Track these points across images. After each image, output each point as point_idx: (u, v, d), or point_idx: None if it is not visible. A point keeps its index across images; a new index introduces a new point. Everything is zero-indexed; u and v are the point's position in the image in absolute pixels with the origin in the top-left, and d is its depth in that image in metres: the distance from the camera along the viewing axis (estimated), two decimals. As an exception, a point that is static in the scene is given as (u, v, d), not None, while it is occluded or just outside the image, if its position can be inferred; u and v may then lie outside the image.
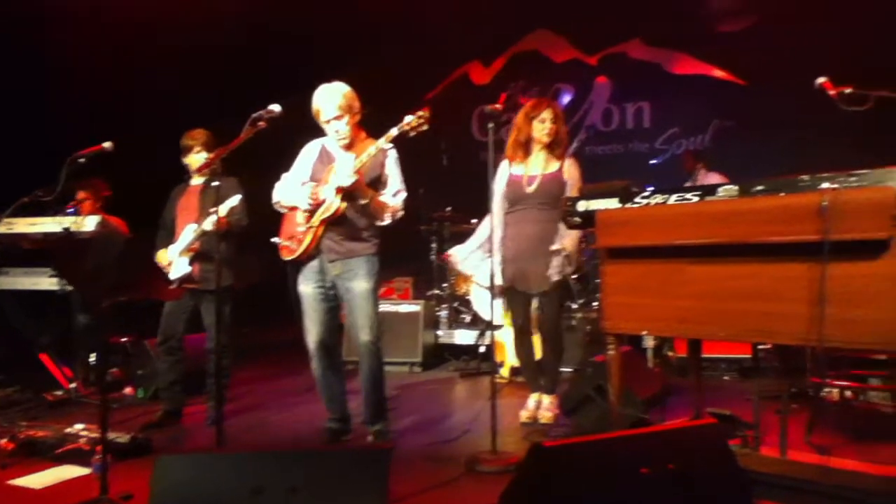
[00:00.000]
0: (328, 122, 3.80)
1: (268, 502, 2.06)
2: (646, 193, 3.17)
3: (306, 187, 3.83)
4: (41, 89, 6.72)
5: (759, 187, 2.85)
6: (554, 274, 4.21)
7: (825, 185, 2.62)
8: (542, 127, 4.28)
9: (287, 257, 3.90)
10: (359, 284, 3.84)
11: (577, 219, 3.39)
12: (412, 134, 3.68)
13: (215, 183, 3.33)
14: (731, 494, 2.25)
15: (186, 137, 4.53)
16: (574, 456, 2.12)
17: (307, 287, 3.91)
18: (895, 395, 4.23)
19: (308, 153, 4.04)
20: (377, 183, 3.88)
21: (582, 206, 3.36)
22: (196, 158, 4.46)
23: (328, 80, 3.87)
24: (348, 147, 3.87)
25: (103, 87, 7.11)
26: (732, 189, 2.92)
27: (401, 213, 3.93)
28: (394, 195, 3.91)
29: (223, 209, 4.12)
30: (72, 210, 5.14)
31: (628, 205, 3.20)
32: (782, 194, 2.76)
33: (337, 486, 2.12)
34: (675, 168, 7.78)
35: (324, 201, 3.76)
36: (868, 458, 3.15)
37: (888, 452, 3.43)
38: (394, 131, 3.67)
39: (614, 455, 2.16)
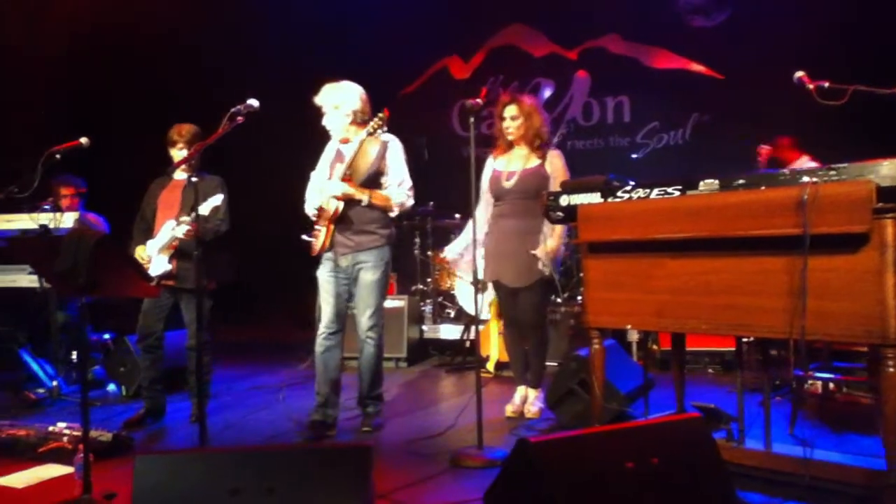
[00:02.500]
0: (324, 114, 4.08)
1: (246, 503, 2.04)
2: (628, 187, 3.18)
3: (317, 193, 4.15)
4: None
5: (740, 181, 2.87)
6: (535, 269, 4.22)
7: (805, 179, 2.64)
8: (505, 125, 4.32)
9: (313, 254, 4.17)
10: (365, 275, 4.08)
11: (560, 213, 3.40)
12: (377, 133, 3.98)
13: (194, 179, 3.29)
14: (714, 488, 2.26)
15: (173, 131, 4.47)
16: (560, 451, 2.12)
17: (323, 273, 4.17)
18: (874, 387, 4.27)
19: (326, 153, 4.29)
20: (379, 175, 4.11)
21: (564, 200, 3.36)
22: (179, 154, 4.41)
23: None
24: (347, 142, 4.11)
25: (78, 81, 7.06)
26: (713, 183, 2.94)
27: (410, 202, 4.18)
28: (398, 185, 4.12)
29: (205, 208, 4.09)
30: (48, 206, 5.07)
31: (610, 199, 3.21)
32: (763, 188, 2.77)
33: (317, 485, 2.10)
34: (659, 162, 7.84)
35: (329, 202, 4.04)
36: (849, 450, 3.19)
37: (868, 444, 3.47)
38: (363, 134, 3.96)
39: (600, 450, 2.17)
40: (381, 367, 4.24)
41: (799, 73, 3.18)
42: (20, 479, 3.37)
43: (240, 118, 3.46)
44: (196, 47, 8.02)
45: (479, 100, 3.64)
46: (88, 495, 2.88)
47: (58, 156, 3.94)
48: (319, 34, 8.75)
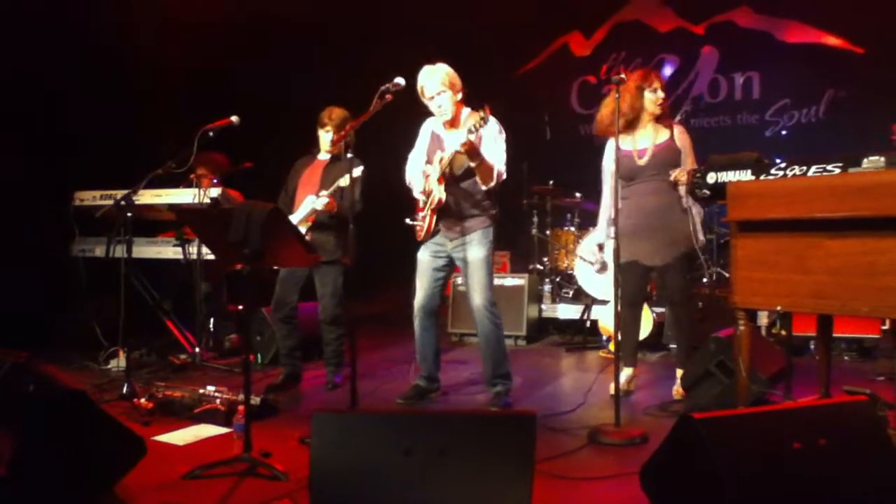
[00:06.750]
0: (431, 98, 4.02)
1: (418, 463, 2.11)
2: (781, 164, 3.09)
3: (421, 177, 4.17)
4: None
5: (909, 158, 2.75)
6: (676, 245, 4.20)
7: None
8: (654, 98, 4.28)
9: (418, 238, 4.24)
10: (473, 253, 4.10)
11: (706, 191, 3.34)
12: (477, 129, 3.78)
13: (349, 155, 3.42)
14: (886, 472, 2.19)
15: (324, 114, 4.64)
16: (724, 429, 2.10)
17: (424, 255, 4.25)
18: None
19: (424, 133, 4.28)
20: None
21: (712, 177, 3.30)
22: (325, 136, 4.60)
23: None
24: (451, 124, 4.10)
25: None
26: (878, 160, 2.82)
27: (504, 177, 4.08)
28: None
29: (345, 180, 4.23)
30: (216, 180, 5.37)
31: (763, 176, 3.13)
32: (936, 165, 2.65)
33: (484, 449, 2.16)
34: (791, 139, 7.54)
35: (432, 191, 4.05)
36: None
37: None
38: (466, 136, 3.74)
39: (765, 429, 2.14)
40: (504, 343, 4.22)
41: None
42: (180, 437, 3.59)
43: (389, 96, 3.55)
44: (319, 28, 8.18)
45: (623, 74, 3.61)
46: (249, 453, 3.06)
47: (210, 133, 4.14)
48: (435, 14, 8.78)
